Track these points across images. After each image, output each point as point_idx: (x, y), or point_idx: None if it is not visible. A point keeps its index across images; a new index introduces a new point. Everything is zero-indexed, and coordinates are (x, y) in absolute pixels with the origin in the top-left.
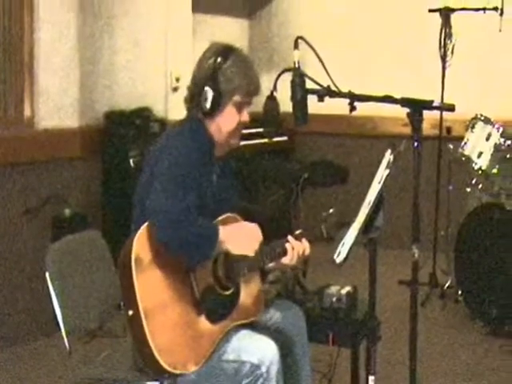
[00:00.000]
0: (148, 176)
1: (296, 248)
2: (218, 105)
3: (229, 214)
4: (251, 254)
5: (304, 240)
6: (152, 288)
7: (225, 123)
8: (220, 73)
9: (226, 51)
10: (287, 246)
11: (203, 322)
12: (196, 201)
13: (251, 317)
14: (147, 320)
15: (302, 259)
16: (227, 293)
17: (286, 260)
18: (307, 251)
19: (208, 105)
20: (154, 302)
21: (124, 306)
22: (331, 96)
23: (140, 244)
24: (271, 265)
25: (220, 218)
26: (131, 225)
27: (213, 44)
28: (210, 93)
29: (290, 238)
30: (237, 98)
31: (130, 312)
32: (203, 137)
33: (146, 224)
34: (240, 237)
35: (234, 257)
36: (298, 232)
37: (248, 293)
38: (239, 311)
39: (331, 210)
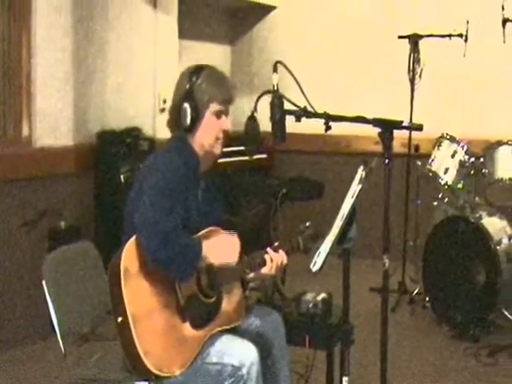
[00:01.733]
0: (137, 191)
1: (274, 259)
2: (197, 117)
3: (211, 228)
4: (232, 262)
5: (281, 251)
6: (139, 296)
7: (206, 131)
8: (195, 88)
9: (197, 69)
10: (266, 257)
11: (187, 328)
12: (182, 213)
13: (233, 323)
14: (135, 326)
15: (280, 269)
16: (210, 301)
17: (265, 270)
18: (285, 261)
19: (188, 120)
20: (141, 309)
21: (114, 312)
22: (308, 116)
23: (128, 255)
24: (251, 275)
25: (203, 232)
26: (122, 236)
27: (186, 68)
28: (188, 108)
29: (268, 249)
30: (213, 106)
31: (119, 318)
32: (188, 154)
33: (134, 236)
34: (221, 249)
35: (217, 267)
36: (276, 244)
37: (230, 301)
38: (221, 318)
39: (308, 223)
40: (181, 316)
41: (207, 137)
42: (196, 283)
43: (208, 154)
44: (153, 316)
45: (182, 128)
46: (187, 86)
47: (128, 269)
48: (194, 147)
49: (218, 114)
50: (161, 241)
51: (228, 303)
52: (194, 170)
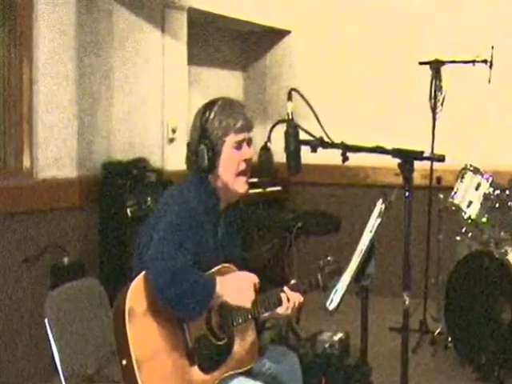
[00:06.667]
0: (149, 228)
1: (291, 299)
2: (214, 156)
3: (224, 265)
4: (248, 305)
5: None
6: (145, 338)
7: (226, 166)
8: (208, 126)
9: (210, 104)
10: (282, 296)
11: (196, 372)
12: (193, 249)
13: (245, 366)
14: (140, 370)
15: (296, 310)
16: (221, 342)
17: (280, 310)
18: (301, 300)
19: (206, 161)
20: (146, 352)
21: (118, 354)
22: (324, 147)
23: (134, 293)
24: (266, 314)
25: (215, 269)
26: (133, 273)
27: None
28: (204, 149)
29: (285, 288)
30: (230, 138)
31: (124, 362)
32: (207, 193)
33: (141, 274)
34: (237, 288)
35: (229, 307)
36: (292, 282)
37: (242, 342)
38: (233, 361)
39: (329, 258)
40: (189, 359)
41: (228, 172)
42: (206, 323)
43: (231, 191)
44: (159, 358)
45: (200, 169)
46: (201, 125)
47: (133, 308)
48: (215, 186)
49: (238, 145)
50: (169, 277)
51: (240, 345)
52: (213, 209)
